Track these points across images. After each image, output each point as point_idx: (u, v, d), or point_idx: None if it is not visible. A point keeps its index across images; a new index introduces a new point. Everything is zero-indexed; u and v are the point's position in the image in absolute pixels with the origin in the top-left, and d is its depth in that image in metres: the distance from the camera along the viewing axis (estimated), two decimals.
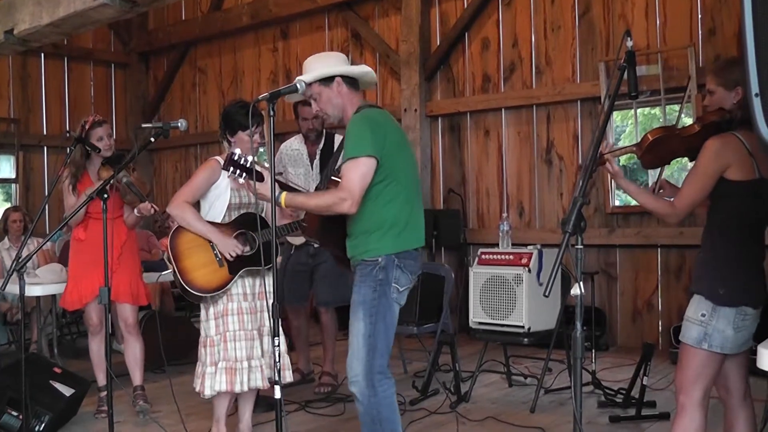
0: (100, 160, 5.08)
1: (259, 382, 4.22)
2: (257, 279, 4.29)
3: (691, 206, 3.10)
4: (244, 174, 3.54)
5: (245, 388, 4.18)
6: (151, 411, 5.09)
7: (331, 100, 3.59)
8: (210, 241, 4.17)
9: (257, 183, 3.56)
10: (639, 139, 3.31)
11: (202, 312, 4.27)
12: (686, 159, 3.32)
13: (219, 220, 4.25)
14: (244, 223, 4.26)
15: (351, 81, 3.62)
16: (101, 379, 5.17)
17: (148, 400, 5.16)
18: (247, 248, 4.22)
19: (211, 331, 4.20)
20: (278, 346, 3.16)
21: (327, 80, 3.56)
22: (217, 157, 4.35)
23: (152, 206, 4.87)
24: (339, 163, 3.58)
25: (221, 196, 4.28)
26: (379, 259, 3.49)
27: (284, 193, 3.46)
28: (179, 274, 4.15)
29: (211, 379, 4.16)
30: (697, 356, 3.07)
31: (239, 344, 4.18)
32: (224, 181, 4.26)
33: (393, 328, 3.57)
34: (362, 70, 3.66)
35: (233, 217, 4.27)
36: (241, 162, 3.54)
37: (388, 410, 3.52)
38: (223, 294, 4.19)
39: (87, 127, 5.07)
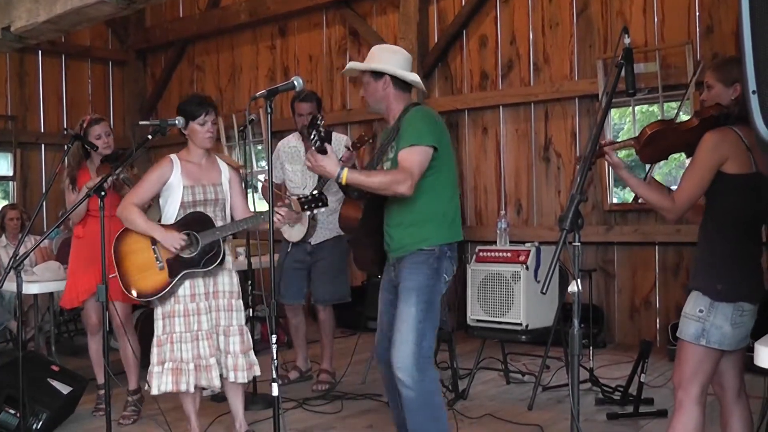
0: (99, 158, 5.06)
1: (206, 381, 4.17)
2: (211, 279, 4.24)
3: (690, 201, 3.10)
4: (318, 142, 3.52)
5: (191, 389, 4.16)
6: (146, 410, 5.07)
7: (375, 94, 3.73)
8: (153, 244, 4.15)
9: (321, 156, 3.52)
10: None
11: (155, 311, 4.26)
12: (684, 155, 3.31)
13: (174, 219, 4.21)
14: (189, 224, 4.20)
15: (400, 81, 3.71)
16: (100, 377, 5.15)
17: (140, 410, 5.11)
18: (188, 244, 4.16)
19: (159, 331, 4.19)
20: (275, 343, 3.16)
21: (377, 74, 3.69)
22: (172, 156, 4.32)
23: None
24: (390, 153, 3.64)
25: (173, 194, 4.23)
26: (436, 249, 3.60)
27: (346, 169, 3.47)
28: (120, 277, 4.19)
29: (158, 378, 4.15)
30: (694, 352, 3.07)
31: (185, 345, 4.15)
32: (176, 178, 4.22)
33: (439, 316, 3.71)
34: (412, 78, 3.72)
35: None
36: (321, 131, 3.51)
37: (438, 396, 3.63)
38: (170, 295, 4.16)
39: (85, 125, 5.05)
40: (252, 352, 4.30)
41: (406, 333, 3.55)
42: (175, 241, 4.10)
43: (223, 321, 4.24)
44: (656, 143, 3.21)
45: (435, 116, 3.69)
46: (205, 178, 4.28)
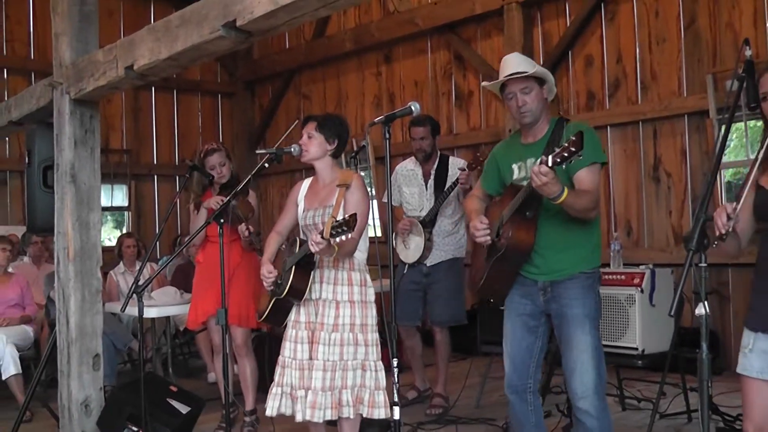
0: (218, 186, 5.22)
1: (291, 411, 4.07)
2: (312, 309, 4.09)
3: None
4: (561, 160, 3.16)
5: (273, 413, 4.09)
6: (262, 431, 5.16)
7: (539, 101, 3.62)
8: None
9: (549, 171, 3.16)
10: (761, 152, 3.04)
11: None
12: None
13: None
14: (291, 249, 4.19)
15: None
16: (249, 403, 5.24)
17: (256, 430, 5.20)
18: (273, 276, 4.11)
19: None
20: (397, 367, 3.16)
21: (540, 80, 3.64)
22: (308, 178, 4.38)
23: (247, 228, 4.94)
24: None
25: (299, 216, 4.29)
26: (597, 271, 3.62)
27: (567, 189, 3.26)
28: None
29: (269, 398, 4.15)
30: None
31: (286, 371, 4.10)
32: (300, 200, 4.27)
33: None
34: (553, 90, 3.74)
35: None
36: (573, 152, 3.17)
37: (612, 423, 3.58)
38: (276, 320, 4.25)
39: (202, 155, 5.24)
40: (345, 392, 4.01)
41: (587, 362, 3.49)
42: (263, 271, 4.14)
43: (320, 355, 4.00)
44: None
45: None
46: (320, 201, 4.16)
